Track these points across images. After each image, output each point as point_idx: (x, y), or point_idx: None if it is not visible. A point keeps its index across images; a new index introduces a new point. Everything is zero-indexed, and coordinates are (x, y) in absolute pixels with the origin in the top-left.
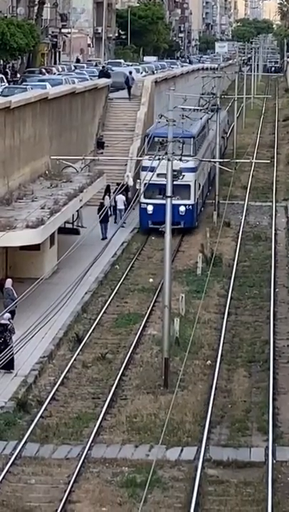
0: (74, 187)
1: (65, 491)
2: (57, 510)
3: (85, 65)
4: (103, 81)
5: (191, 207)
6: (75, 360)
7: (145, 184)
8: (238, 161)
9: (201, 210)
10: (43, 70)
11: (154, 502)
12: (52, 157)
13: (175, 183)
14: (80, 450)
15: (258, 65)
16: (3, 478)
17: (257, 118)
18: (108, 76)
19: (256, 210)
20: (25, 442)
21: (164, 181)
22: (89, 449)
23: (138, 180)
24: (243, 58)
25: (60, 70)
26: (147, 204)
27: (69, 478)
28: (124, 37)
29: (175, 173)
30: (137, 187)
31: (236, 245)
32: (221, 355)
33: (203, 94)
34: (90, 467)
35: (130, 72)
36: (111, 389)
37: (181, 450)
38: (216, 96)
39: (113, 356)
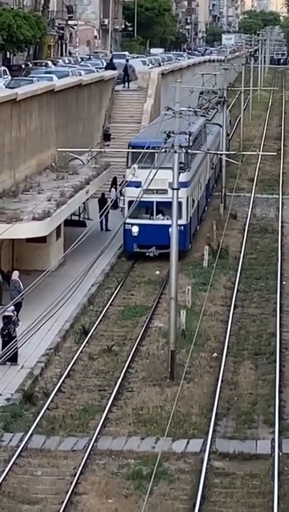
0: (80, 179)
1: (72, 483)
2: (63, 501)
3: (91, 56)
4: (109, 73)
5: (182, 228)
6: (81, 352)
7: (130, 202)
8: (244, 153)
9: (196, 229)
10: (49, 63)
11: (160, 494)
12: (58, 149)
13: (164, 199)
14: (87, 442)
15: (264, 57)
16: (9, 469)
17: (264, 110)
18: (115, 68)
19: (263, 203)
20: (32, 434)
21: (151, 198)
22: (95, 441)
23: (121, 198)
24: (250, 50)
25: (67, 62)
26: (132, 225)
27: (75, 470)
28: (130, 29)
29: (161, 190)
30: (120, 205)
31: (243, 238)
32: (227, 348)
33: (202, 93)
34: (96, 459)
35: (127, 60)
36: (117, 381)
37: (187, 442)
38: (218, 93)
39: (119, 348)
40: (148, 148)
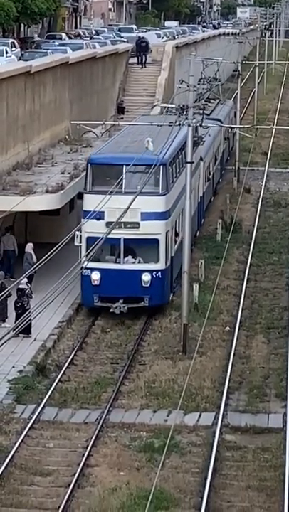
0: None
1: (83, 455)
2: (75, 473)
3: (106, 29)
4: (124, 46)
5: (160, 274)
6: (93, 325)
7: (89, 239)
8: (258, 126)
9: (178, 277)
10: (63, 35)
11: (172, 467)
12: (72, 122)
13: (134, 236)
14: (99, 415)
15: (279, 30)
16: (21, 441)
17: (278, 84)
18: (146, 49)
19: (276, 177)
20: (44, 406)
21: (118, 234)
22: (107, 414)
23: (77, 234)
24: (265, 24)
25: (82, 34)
26: (92, 270)
27: (87, 442)
28: (145, 1)
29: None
30: (76, 243)
31: (256, 212)
32: (240, 322)
33: (201, 80)
34: (108, 432)
35: (142, 38)
36: (130, 354)
37: (199, 415)
38: (219, 81)
39: (132, 322)
40: (112, 166)
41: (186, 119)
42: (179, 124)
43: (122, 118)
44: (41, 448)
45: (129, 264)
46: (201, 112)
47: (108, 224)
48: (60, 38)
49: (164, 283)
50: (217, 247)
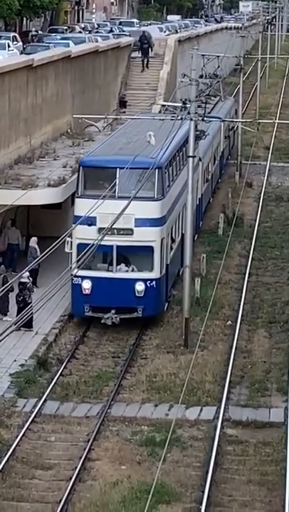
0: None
1: (85, 449)
2: (76, 467)
3: (108, 23)
4: (126, 39)
5: (154, 284)
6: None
7: (80, 246)
8: (260, 121)
9: (174, 286)
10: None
11: (173, 461)
12: (74, 116)
13: (128, 243)
14: (100, 409)
15: (282, 24)
16: (23, 435)
17: (280, 78)
18: (148, 52)
19: (278, 171)
20: (45, 400)
21: (110, 241)
22: (109, 408)
23: (67, 240)
24: (267, 18)
25: (83, 26)
26: (83, 278)
27: (88, 436)
28: None
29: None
30: (66, 250)
31: (258, 206)
32: (242, 316)
33: (201, 76)
34: (109, 426)
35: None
36: (131, 348)
37: (201, 410)
38: (220, 77)
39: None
40: (105, 169)
41: (188, 113)
42: (181, 119)
43: (124, 112)
44: (43, 442)
45: (122, 273)
46: (203, 106)
47: (100, 230)
48: (63, 32)
49: (159, 293)
50: (219, 241)
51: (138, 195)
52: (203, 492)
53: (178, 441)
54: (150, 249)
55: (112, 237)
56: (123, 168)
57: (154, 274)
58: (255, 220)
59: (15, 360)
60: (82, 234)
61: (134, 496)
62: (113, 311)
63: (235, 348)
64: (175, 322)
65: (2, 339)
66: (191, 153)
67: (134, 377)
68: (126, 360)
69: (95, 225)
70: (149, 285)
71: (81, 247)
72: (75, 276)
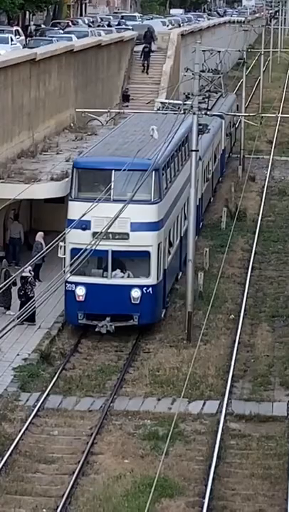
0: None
1: (88, 443)
2: (79, 461)
3: (111, 17)
4: (129, 33)
5: (151, 290)
6: None
7: (74, 251)
8: (263, 115)
9: (170, 293)
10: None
11: (176, 455)
12: (77, 110)
13: (124, 248)
14: (103, 402)
15: (285, 18)
16: (26, 429)
17: (283, 72)
18: (149, 55)
19: (281, 165)
20: (49, 394)
21: (106, 246)
22: (112, 402)
23: (60, 245)
24: (270, 12)
25: (86, 22)
26: (77, 284)
27: (92, 430)
28: None
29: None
30: (59, 255)
31: (261, 200)
32: (245, 310)
33: (203, 71)
34: (112, 419)
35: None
36: (134, 342)
37: (204, 404)
38: (221, 73)
39: None
40: (100, 171)
41: (191, 107)
42: (184, 113)
43: (127, 106)
44: (46, 436)
45: (117, 279)
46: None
47: (95, 234)
48: (66, 26)
49: (156, 299)
50: (222, 235)
51: (134, 198)
52: (206, 486)
53: (181, 435)
54: (147, 254)
55: (107, 241)
56: (119, 169)
57: (151, 280)
58: (258, 214)
59: (18, 354)
60: (76, 238)
61: (137, 489)
62: (108, 319)
63: (238, 342)
64: (178, 316)
65: (5, 333)
66: (194, 148)
67: (137, 371)
68: (129, 354)
69: (89, 229)
70: (145, 292)
71: (75, 252)
72: (69, 282)
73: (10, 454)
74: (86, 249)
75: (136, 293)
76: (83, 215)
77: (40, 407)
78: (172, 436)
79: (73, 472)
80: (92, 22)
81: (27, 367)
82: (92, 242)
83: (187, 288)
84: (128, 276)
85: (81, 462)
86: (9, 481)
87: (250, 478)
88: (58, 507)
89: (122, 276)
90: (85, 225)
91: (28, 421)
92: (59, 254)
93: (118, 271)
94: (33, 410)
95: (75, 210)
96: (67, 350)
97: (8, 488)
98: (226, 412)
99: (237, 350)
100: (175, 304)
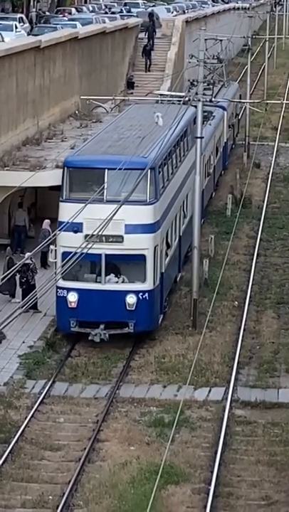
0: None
1: (94, 430)
2: (85, 448)
3: (115, 3)
4: (133, 20)
5: (147, 296)
6: None
7: (65, 254)
8: (268, 101)
9: (168, 299)
10: (73, 10)
11: (182, 442)
12: (82, 97)
13: (118, 251)
14: (109, 390)
15: None
16: (32, 416)
17: (288, 58)
18: (150, 52)
19: (287, 152)
20: (54, 381)
21: (99, 249)
22: (117, 389)
23: (51, 248)
24: None
25: (91, 9)
26: (68, 290)
27: (97, 417)
28: None
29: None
30: (50, 259)
31: (266, 187)
32: (250, 297)
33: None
34: (118, 406)
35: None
36: None
37: (209, 390)
38: (224, 62)
39: None
40: (93, 170)
41: (196, 93)
42: (188, 101)
43: (132, 93)
44: (52, 423)
45: (111, 284)
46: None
47: (87, 237)
48: (70, 13)
49: (152, 305)
50: (227, 222)
51: (129, 199)
52: (212, 472)
53: (186, 422)
54: (142, 257)
55: (101, 244)
56: (112, 169)
57: (147, 285)
58: (263, 201)
59: (23, 342)
60: (68, 241)
61: (143, 476)
62: (102, 327)
63: (244, 329)
64: (183, 303)
65: (10, 321)
66: (199, 135)
67: (143, 358)
68: (134, 341)
69: (81, 231)
70: (141, 297)
71: (66, 255)
72: (60, 288)
73: (16, 442)
74: (78, 253)
75: (131, 299)
76: (75, 217)
77: (46, 394)
78: (178, 423)
79: (79, 459)
80: (101, 7)
81: (33, 354)
82: (85, 246)
83: (192, 275)
84: (123, 282)
85: (87, 449)
86: (15, 468)
87: (256, 464)
88: (64, 494)
89: (117, 282)
90: (76, 228)
91: (34, 408)
92: (50, 259)
93: (112, 276)
94: (38, 397)
95: (66, 211)
96: (72, 337)
97: (15, 476)
98: (231, 399)
99: (242, 337)
100: (180, 291)
